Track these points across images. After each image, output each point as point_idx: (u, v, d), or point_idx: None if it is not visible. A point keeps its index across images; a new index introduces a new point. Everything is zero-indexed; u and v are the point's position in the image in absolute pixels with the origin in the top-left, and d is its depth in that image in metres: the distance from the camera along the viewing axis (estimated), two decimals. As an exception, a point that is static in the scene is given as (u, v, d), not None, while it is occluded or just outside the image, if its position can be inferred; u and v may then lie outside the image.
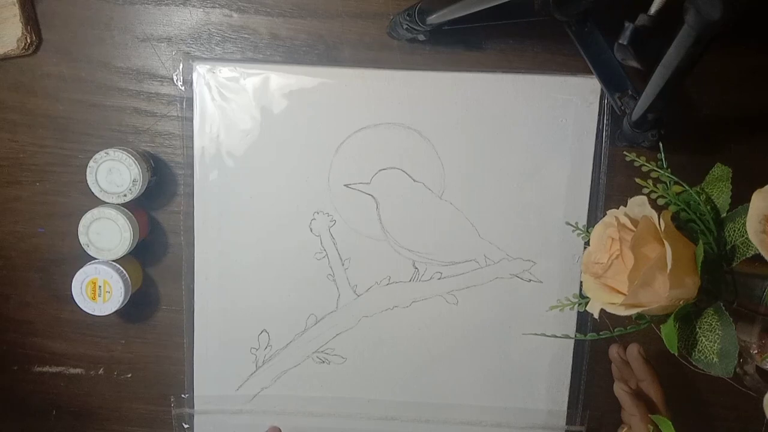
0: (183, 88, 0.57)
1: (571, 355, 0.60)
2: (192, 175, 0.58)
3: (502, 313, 0.60)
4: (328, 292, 0.60)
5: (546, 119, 0.57)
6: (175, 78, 0.57)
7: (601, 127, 0.57)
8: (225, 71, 0.57)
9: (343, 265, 0.59)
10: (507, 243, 0.59)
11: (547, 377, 0.61)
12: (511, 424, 0.62)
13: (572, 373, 0.60)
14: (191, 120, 0.57)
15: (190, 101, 0.57)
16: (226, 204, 0.58)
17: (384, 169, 0.58)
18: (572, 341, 0.60)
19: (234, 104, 0.57)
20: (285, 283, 0.60)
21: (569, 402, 0.61)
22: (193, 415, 0.62)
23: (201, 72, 0.57)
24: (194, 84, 0.57)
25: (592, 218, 0.58)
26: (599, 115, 0.57)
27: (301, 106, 0.57)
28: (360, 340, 0.61)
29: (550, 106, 0.57)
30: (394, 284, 0.60)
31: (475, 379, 0.61)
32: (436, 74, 0.57)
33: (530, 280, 0.59)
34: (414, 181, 0.58)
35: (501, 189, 0.58)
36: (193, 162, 0.58)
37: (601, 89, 0.56)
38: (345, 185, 0.58)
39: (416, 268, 0.59)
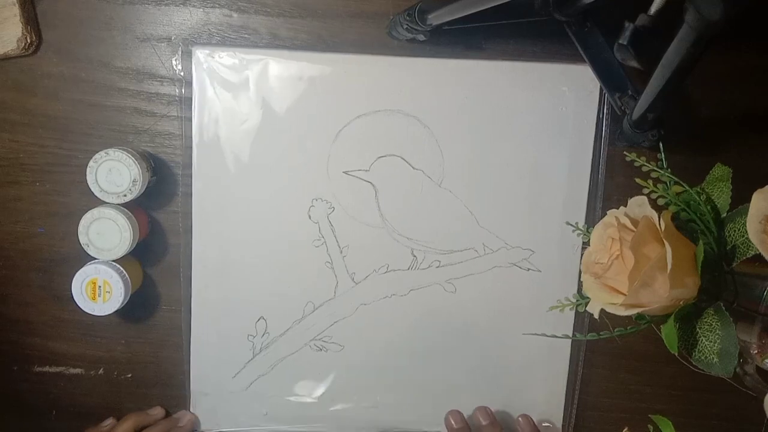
0: (182, 73, 0.57)
1: (569, 344, 0.60)
2: (190, 165, 0.58)
3: (500, 302, 0.60)
4: (326, 280, 0.60)
5: (546, 108, 0.57)
6: (174, 63, 0.57)
7: (600, 116, 0.57)
8: (224, 56, 0.57)
9: (341, 252, 0.59)
10: (506, 232, 0.59)
11: (545, 366, 0.61)
12: (508, 410, 0.62)
13: (570, 362, 0.61)
14: (190, 102, 0.57)
15: (189, 85, 0.57)
16: (224, 190, 0.58)
17: (383, 157, 0.58)
18: (568, 340, 0.60)
19: (232, 90, 0.57)
20: (283, 270, 0.60)
21: (567, 391, 0.61)
22: (189, 397, 0.62)
23: (200, 57, 0.57)
24: (193, 69, 0.57)
25: (591, 207, 0.58)
26: (599, 104, 0.57)
27: (300, 93, 0.57)
28: (358, 328, 0.61)
29: (550, 94, 0.57)
30: (392, 272, 0.60)
31: (472, 367, 0.61)
32: (437, 61, 0.57)
33: (529, 269, 0.59)
34: (413, 168, 0.58)
35: (500, 177, 0.58)
36: (192, 147, 0.58)
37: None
38: (344, 172, 0.58)
39: (414, 256, 0.59)
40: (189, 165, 0.58)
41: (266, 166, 0.58)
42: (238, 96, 0.57)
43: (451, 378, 0.61)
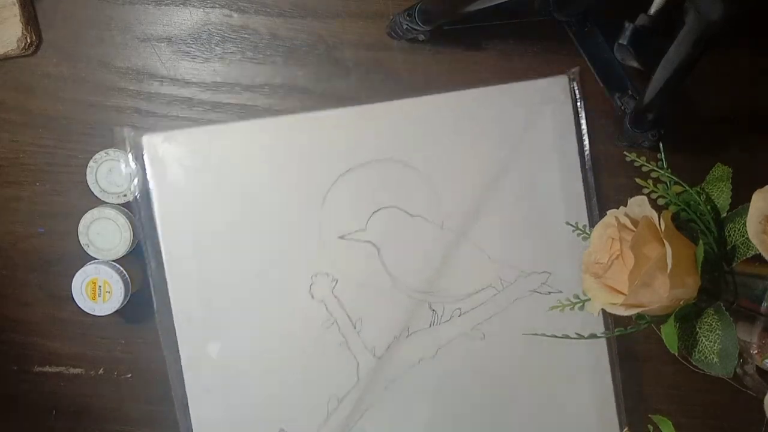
0: (134, 166, 0.52)
1: (606, 355, 0.57)
2: (163, 272, 0.54)
3: (530, 335, 0.55)
4: (345, 364, 0.54)
5: (526, 127, 0.55)
6: (126, 160, 0.52)
7: (578, 121, 0.56)
8: (181, 138, 0.52)
9: (355, 328, 0.54)
10: (518, 259, 0.56)
11: (591, 384, 0.57)
12: None
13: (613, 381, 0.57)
14: (149, 197, 0.53)
15: (145, 181, 0.53)
16: (209, 294, 0.53)
17: (378, 211, 0.54)
18: (605, 349, 0.57)
19: (198, 176, 0.52)
20: (294, 367, 0.54)
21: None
22: None
23: (153, 144, 0.52)
24: (146, 160, 0.52)
25: (590, 211, 0.57)
26: (573, 110, 0.56)
27: (275, 161, 0.53)
28: (392, 409, 0.55)
29: (527, 113, 0.55)
30: (414, 334, 0.55)
31: (522, 410, 0.57)
32: (410, 101, 0.55)
33: (549, 293, 0.56)
34: (411, 216, 0.55)
35: (499, 205, 0.56)
36: (161, 254, 0.53)
37: (571, 86, 0.55)
38: (340, 238, 0.54)
39: (433, 310, 0.55)
40: (157, 256, 0.53)
41: (252, 251, 0.53)
42: (206, 182, 0.53)
43: (503, 430, 0.57)
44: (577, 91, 0.56)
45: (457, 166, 0.55)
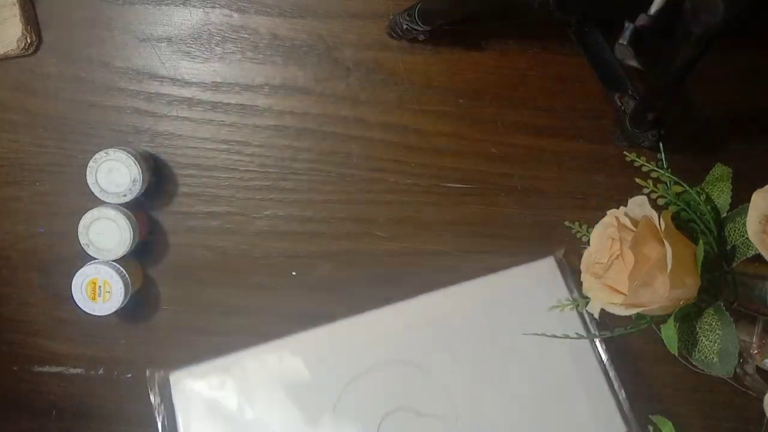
0: (162, 405, 0.54)
1: None
2: None
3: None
4: None
5: (523, 309, 0.55)
6: (152, 396, 0.55)
7: (570, 289, 0.56)
8: (202, 370, 0.54)
9: None
10: None
11: None
12: None
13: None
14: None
15: (171, 416, 0.54)
16: None
17: (388, 415, 0.53)
18: None
19: (219, 404, 0.53)
20: None
21: None
22: None
23: (178, 380, 0.54)
24: (174, 397, 0.54)
25: (609, 381, 0.55)
26: (567, 287, 0.56)
27: (286, 380, 0.54)
28: None
29: (520, 297, 0.55)
30: None
31: None
32: (407, 303, 0.55)
33: None
34: (423, 415, 0.53)
35: (515, 391, 0.54)
36: None
37: (560, 265, 0.56)
38: None
39: None
40: None
41: None
42: (224, 406, 0.54)
43: None
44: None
45: (462, 359, 0.54)
